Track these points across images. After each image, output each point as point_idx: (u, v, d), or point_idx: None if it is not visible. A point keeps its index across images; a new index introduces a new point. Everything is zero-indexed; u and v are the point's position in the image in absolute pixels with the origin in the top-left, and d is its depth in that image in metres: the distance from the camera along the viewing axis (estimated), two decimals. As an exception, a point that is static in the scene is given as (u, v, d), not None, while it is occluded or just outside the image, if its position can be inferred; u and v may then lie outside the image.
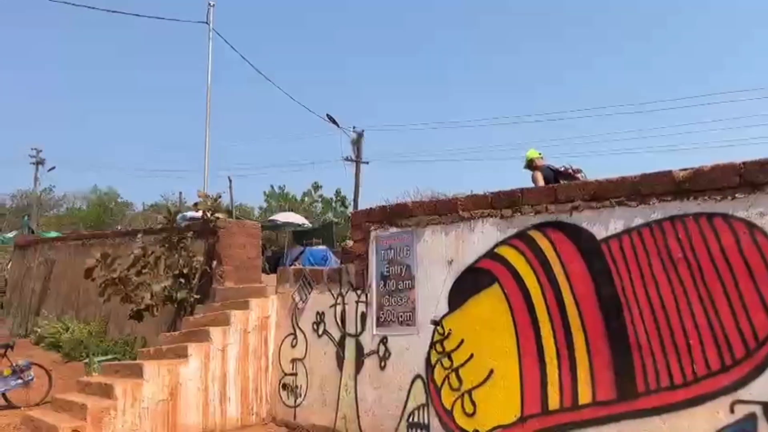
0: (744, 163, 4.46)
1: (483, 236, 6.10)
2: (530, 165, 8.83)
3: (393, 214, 7.12)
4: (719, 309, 4.50)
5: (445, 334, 6.30)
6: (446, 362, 6.25)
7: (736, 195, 4.46)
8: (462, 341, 6.16)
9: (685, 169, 4.72)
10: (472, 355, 6.06)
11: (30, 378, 9.15)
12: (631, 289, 4.98)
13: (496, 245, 5.97)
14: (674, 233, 4.74)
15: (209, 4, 15.22)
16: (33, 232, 25.99)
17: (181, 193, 35.90)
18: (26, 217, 34.26)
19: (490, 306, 5.94)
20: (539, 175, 8.58)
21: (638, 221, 4.98)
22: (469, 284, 6.16)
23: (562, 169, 8.58)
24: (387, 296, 6.99)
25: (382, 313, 7.02)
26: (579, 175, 8.33)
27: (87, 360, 10.35)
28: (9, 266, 23.17)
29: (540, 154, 8.90)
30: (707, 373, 4.53)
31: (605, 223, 5.18)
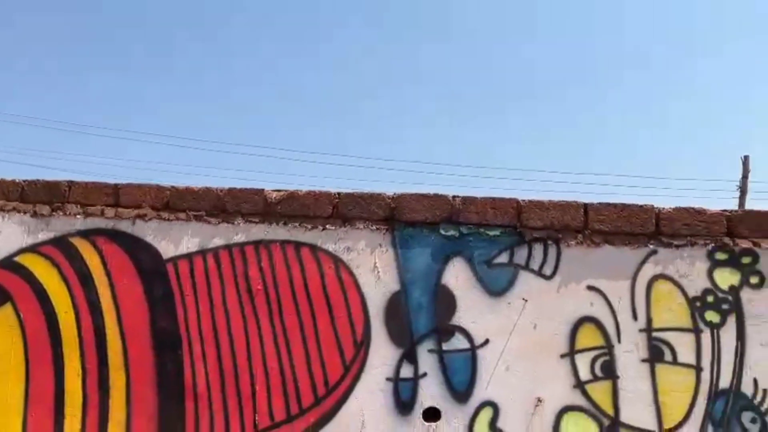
0: (339, 194, 4.13)
1: (2, 238, 4.40)
2: None
3: None
4: (294, 352, 3.98)
5: None
6: None
7: (327, 226, 4.09)
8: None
9: (279, 191, 4.17)
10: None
11: None
12: (196, 323, 4.09)
13: (20, 251, 4.36)
14: (257, 261, 4.09)
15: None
16: None
17: None
18: None
19: (-7, 333, 4.23)
20: None
21: (217, 242, 4.18)
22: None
23: None
24: None
25: None
26: None
27: None
28: None
29: None
30: (270, 425, 3.93)
31: (176, 240, 4.22)
